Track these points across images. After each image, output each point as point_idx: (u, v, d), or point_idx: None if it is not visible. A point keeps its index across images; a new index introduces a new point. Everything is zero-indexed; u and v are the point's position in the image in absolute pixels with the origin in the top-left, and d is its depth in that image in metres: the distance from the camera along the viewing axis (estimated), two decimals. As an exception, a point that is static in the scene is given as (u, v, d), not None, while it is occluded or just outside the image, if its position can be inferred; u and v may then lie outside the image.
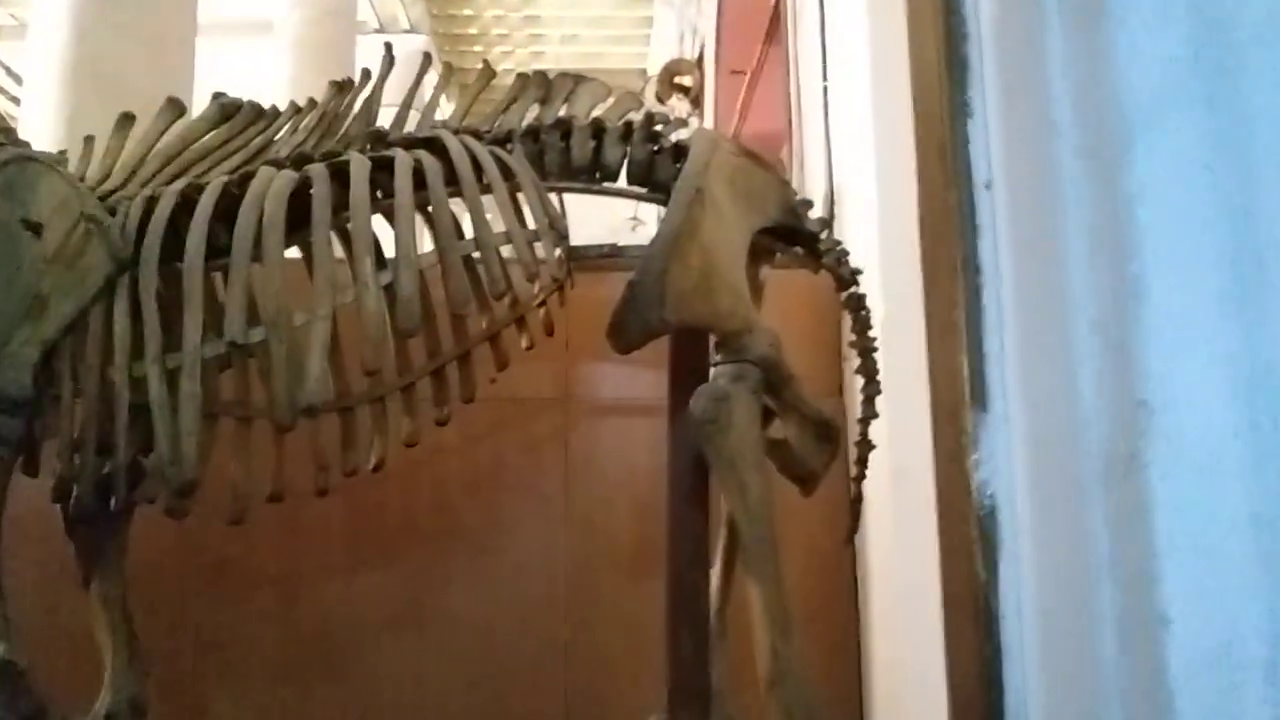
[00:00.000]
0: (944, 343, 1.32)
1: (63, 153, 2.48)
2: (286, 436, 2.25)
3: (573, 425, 3.48)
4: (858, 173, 2.99)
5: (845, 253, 2.56)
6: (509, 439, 3.45)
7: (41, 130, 4.75)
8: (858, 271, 2.58)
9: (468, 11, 13.33)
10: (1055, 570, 1.29)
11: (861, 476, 2.57)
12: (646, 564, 3.28)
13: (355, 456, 2.38)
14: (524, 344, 2.61)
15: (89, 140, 2.52)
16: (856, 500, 2.61)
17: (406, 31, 11.80)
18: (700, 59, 8.72)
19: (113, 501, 2.18)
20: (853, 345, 2.56)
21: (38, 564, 2.79)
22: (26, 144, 2.41)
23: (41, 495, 2.28)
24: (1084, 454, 1.23)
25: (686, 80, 8.83)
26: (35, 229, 2.16)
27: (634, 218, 11.39)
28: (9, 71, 11.31)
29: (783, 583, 2.14)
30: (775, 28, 5.18)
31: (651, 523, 3.33)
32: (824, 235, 2.56)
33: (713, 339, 2.33)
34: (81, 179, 2.38)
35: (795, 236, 2.53)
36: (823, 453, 2.32)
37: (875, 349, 2.53)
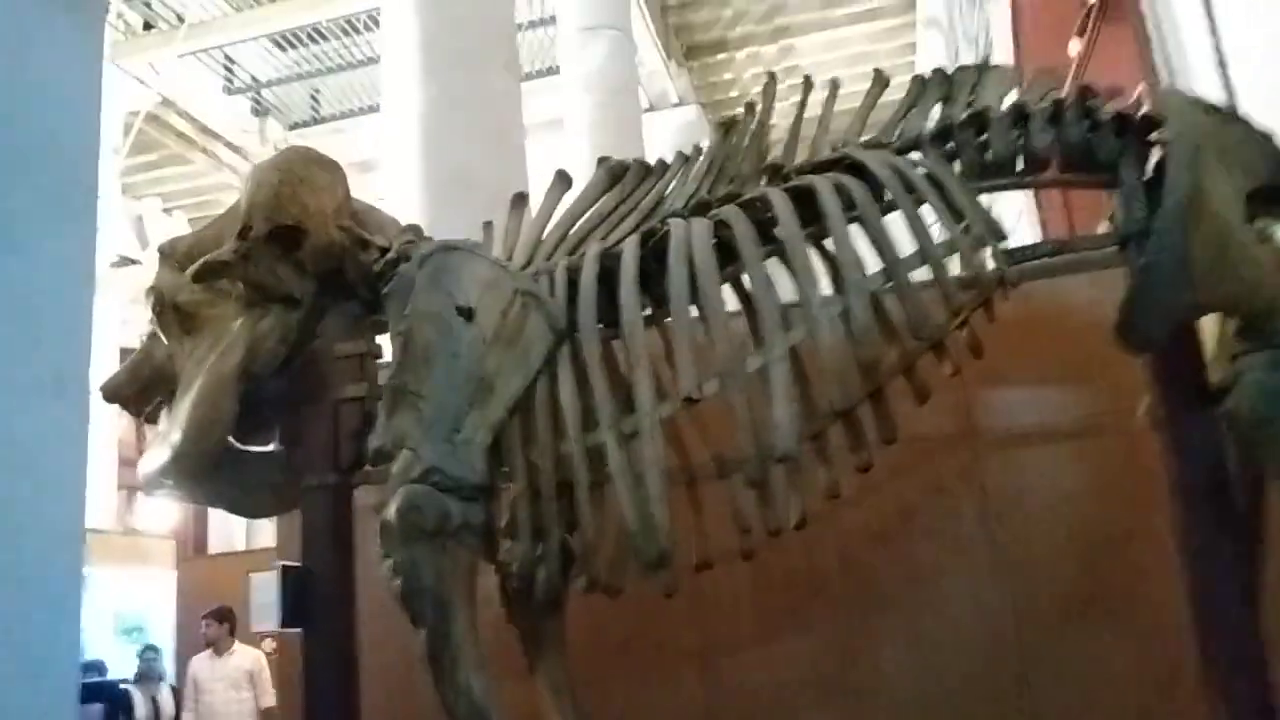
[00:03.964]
0: None
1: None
2: (702, 500, 2.12)
3: (984, 461, 3.12)
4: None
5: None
6: (913, 483, 3.15)
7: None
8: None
9: (727, 75, 13.49)
10: None
11: None
12: (1104, 605, 2.87)
13: (776, 515, 2.19)
14: (948, 370, 2.35)
15: (488, 225, 2.54)
16: None
17: (676, 105, 12.07)
18: (988, 68, 8.17)
19: (580, 582, 2.10)
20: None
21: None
22: (430, 239, 2.47)
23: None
24: None
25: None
26: (467, 314, 2.16)
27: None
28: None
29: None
30: (1110, 3, 4.67)
31: (1102, 558, 2.92)
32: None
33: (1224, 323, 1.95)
34: (495, 259, 2.39)
35: (1291, 196, 2.10)
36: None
37: None
